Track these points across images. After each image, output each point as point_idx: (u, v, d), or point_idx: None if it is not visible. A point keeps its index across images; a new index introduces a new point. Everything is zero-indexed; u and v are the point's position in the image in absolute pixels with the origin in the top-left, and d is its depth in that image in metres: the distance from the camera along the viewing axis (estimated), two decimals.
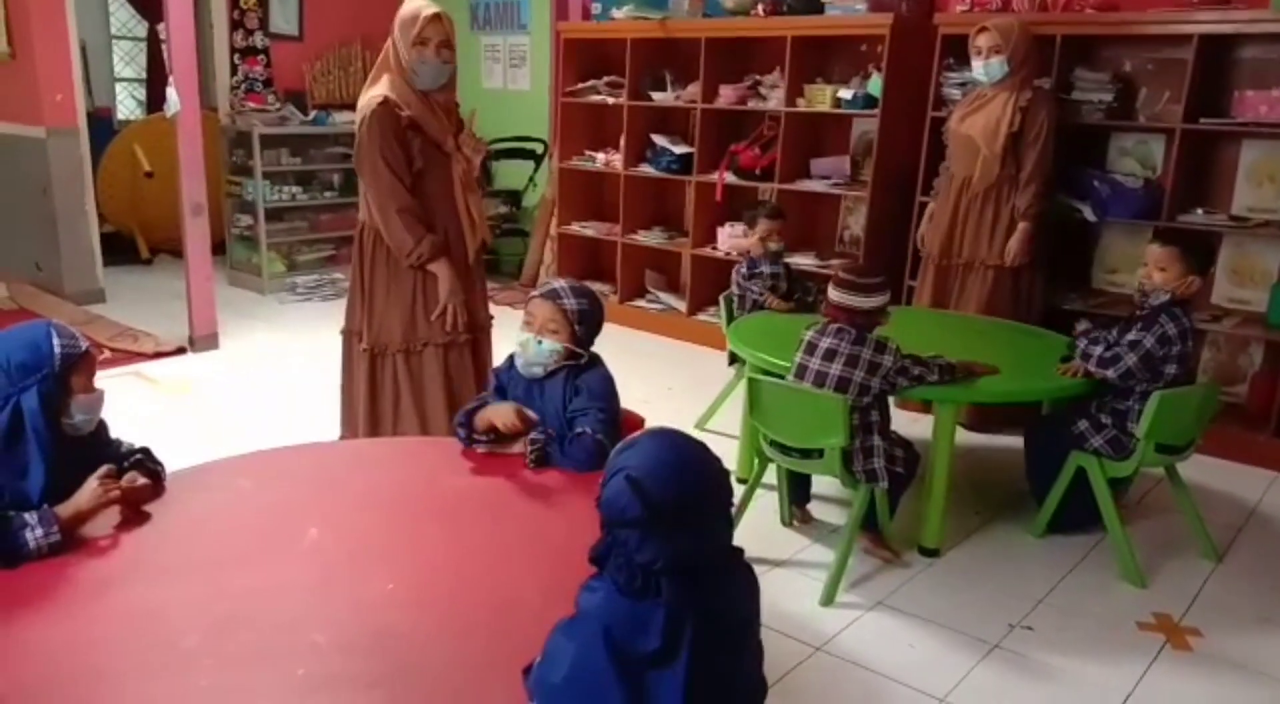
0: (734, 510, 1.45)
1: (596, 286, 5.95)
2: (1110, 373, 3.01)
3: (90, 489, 1.91)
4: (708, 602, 1.33)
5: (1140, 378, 2.99)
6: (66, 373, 1.94)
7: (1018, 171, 4.02)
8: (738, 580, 1.42)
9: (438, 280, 3.08)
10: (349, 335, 3.25)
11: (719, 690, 1.35)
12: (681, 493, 1.31)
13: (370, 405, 3.18)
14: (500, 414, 2.31)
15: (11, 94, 5.93)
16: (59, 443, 1.93)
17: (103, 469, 1.95)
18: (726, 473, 1.39)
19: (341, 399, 3.32)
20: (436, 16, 2.94)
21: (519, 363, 2.44)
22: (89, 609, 1.70)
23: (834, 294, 2.90)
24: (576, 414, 2.34)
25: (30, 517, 1.81)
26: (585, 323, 2.40)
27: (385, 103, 2.93)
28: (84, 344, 1.99)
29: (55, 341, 1.93)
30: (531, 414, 2.34)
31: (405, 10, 2.98)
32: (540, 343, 2.39)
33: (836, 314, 2.90)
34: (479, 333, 3.26)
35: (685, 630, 1.30)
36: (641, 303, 5.94)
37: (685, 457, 1.36)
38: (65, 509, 1.87)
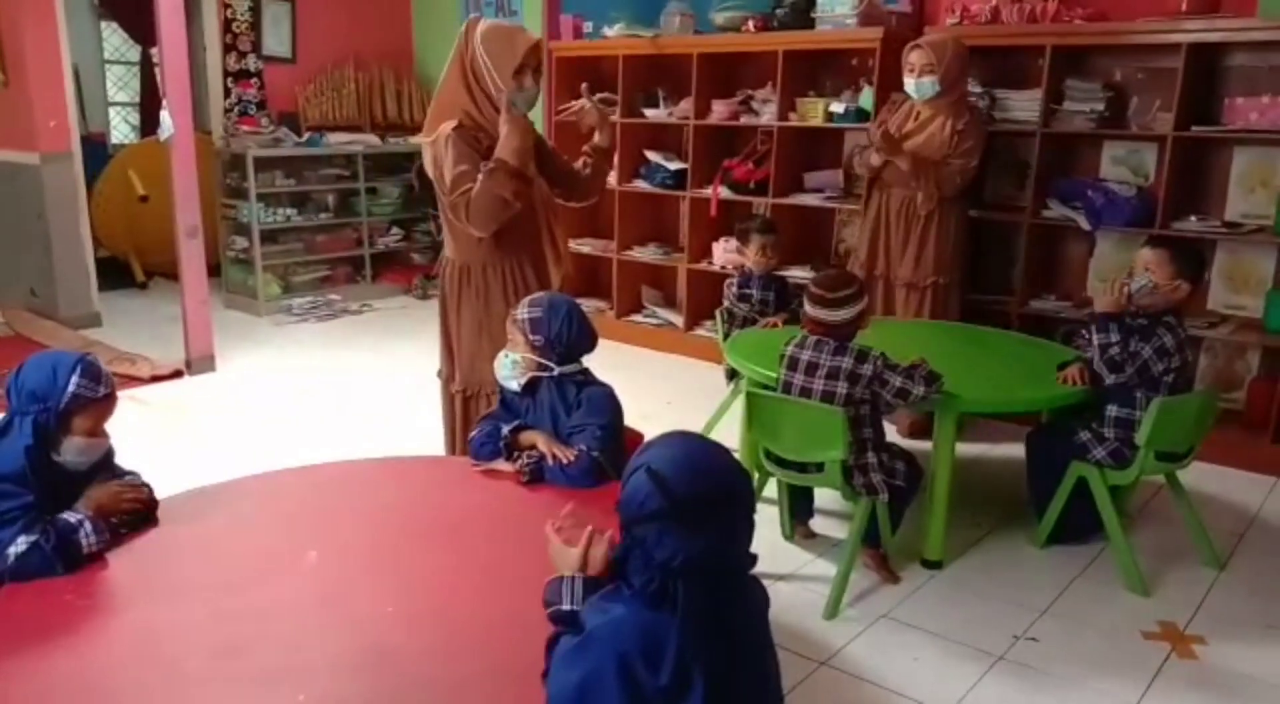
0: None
1: (592, 303, 5.99)
2: (1110, 377, 3.01)
3: (110, 490, 1.97)
4: (724, 611, 1.31)
5: (1133, 385, 3.00)
6: (70, 412, 1.92)
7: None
8: (752, 592, 1.40)
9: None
10: (444, 379, 3.11)
11: None
12: (704, 488, 1.29)
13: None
14: (545, 441, 2.34)
15: (5, 121, 5.93)
16: (51, 468, 1.93)
17: (130, 479, 2.05)
18: (749, 478, 1.38)
19: (446, 441, 3.18)
20: (539, 44, 2.78)
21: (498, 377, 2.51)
22: (90, 633, 1.69)
23: (809, 308, 2.90)
24: (575, 430, 2.35)
25: (73, 518, 1.87)
26: (539, 332, 2.40)
27: (460, 126, 2.74)
28: (103, 390, 1.96)
29: (73, 379, 1.92)
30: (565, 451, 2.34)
31: (495, 36, 2.76)
32: (506, 356, 2.45)
33: (814, 328, 2.90)
34: None
35: (699, 655, 1.27)
36: (638, 318, 5.94)
37: (709, 455, 1.35)
38: (87, 506, 1.92)
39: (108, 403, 1.98)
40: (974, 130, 4.03)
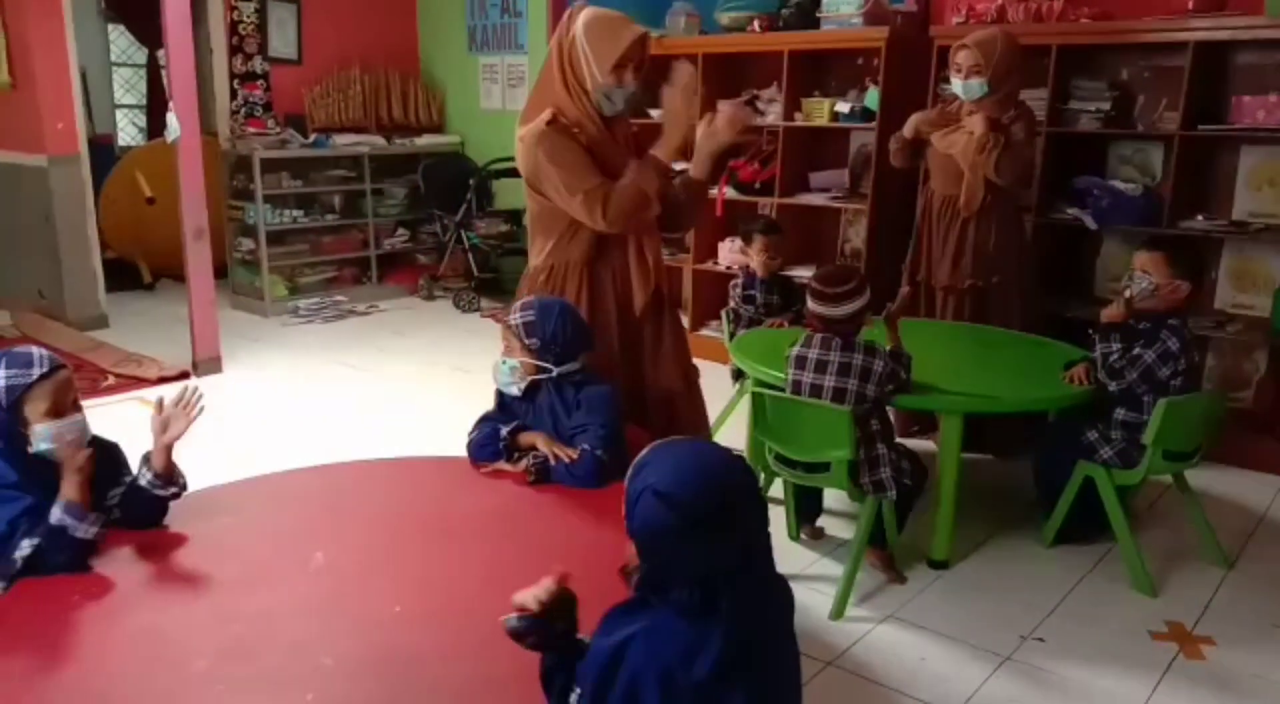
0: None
1: None
2: (1112, 384, 3.00)
3: (71, 467, 1.90)
4: (763, 610, 1.30)
5: (1140, 391, 2.99)
6: (16, 405, 1.88)
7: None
8: (778, 589, 1.39)
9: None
10: None
11: None
12: (713, 494, 1.27)
13: None
14: (545, 441, 2.34)
15: (13, 123, 5.96)
16: (41, 468, 1.91)
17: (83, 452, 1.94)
18: (749, 468, 1.37)
19: None
20: (645, 37, 2.52)
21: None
22: (97, 634, 1.69)
23: (811, 305, 2.89)
24: (577, 431, 2.35)
25: (53, 515, 1.83)
26: (535, 335, 2.39)
27: (554, 121, 2.51)
28: (37, 371, 1.90)
29: (0, 375, 1.88)
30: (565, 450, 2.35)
31: (597, 26, 2.51)
32: (504, 363, 2.44)
33: (817, 325, 2.90)
34: (652, 402, 2.71)
35: (743, 659, 1.26)
36: None
37: (707, 459, 1.33)
38: (68, 495, 1.87)
39: (51, 381, 1.90)
40: (1026, 120, 3.83)
